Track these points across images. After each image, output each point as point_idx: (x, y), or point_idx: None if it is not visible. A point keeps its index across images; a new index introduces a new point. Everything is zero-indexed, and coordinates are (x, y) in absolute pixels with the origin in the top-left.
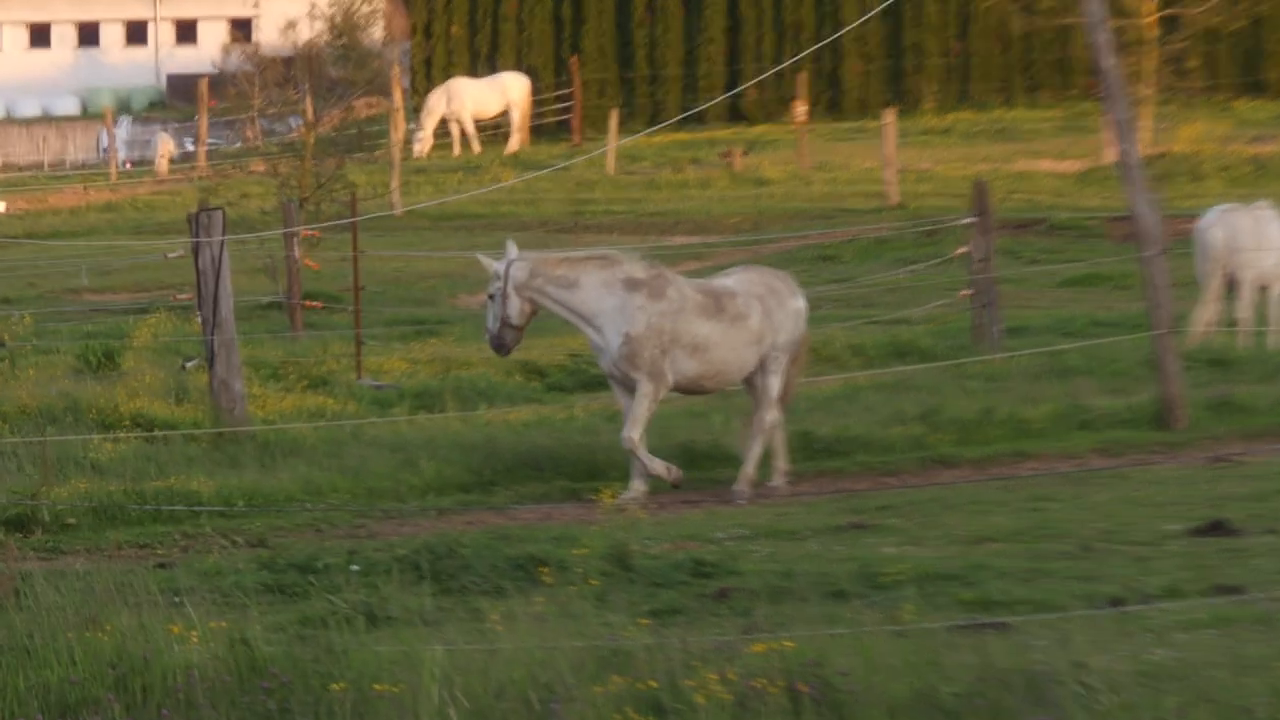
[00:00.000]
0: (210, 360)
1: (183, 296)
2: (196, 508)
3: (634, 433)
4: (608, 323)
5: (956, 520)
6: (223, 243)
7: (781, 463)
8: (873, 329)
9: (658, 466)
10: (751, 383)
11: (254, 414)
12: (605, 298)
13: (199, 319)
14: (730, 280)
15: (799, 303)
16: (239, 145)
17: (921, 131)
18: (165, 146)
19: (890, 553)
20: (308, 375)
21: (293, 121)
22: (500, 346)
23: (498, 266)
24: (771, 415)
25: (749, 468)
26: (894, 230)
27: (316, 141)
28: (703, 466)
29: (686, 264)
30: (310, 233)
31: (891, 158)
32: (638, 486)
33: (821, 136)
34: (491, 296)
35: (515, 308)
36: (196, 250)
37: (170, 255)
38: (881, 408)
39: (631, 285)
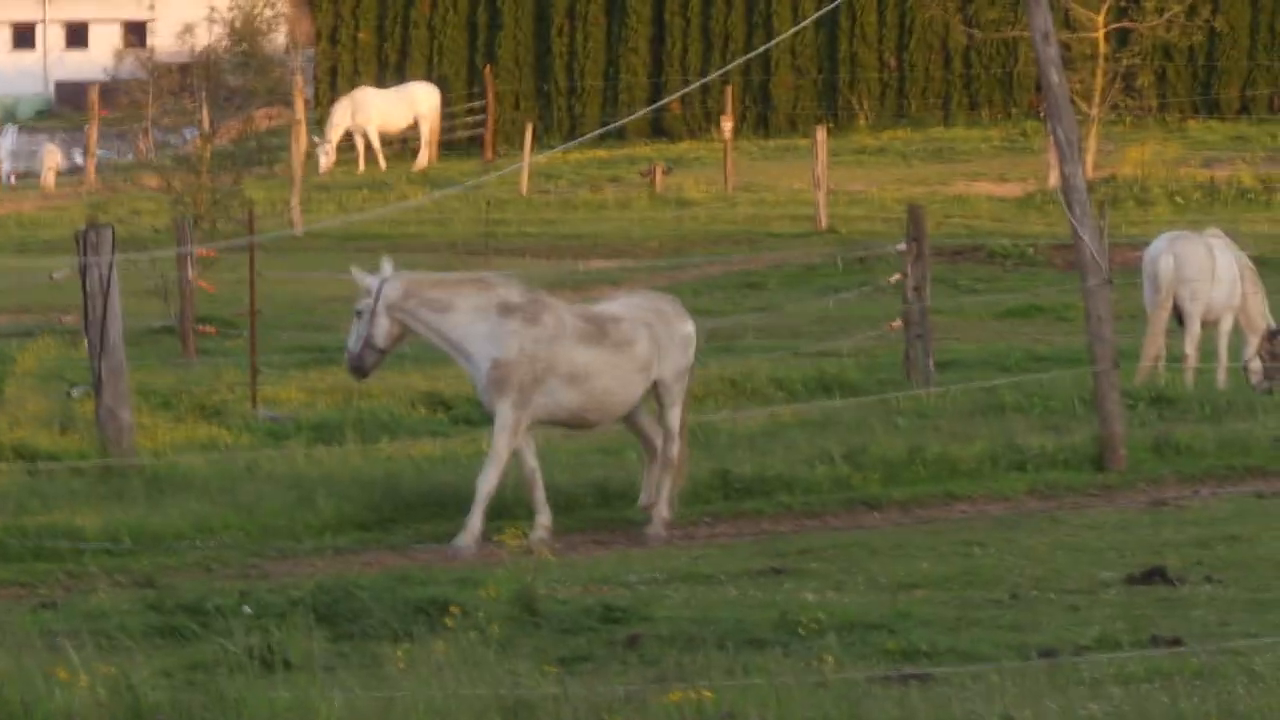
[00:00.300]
0: (97, 388)
1: (69, 319)
2: (81, 544)
3: (490, 476)
4: (478, 349)
5: (881, 565)
6: (112, 263)
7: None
8: (798, 361)
9: (476, 524)
10: (635, 419)
11: (143, 445)
12: (477, 322)
13: (86, 343)
14: (615, 305)
15: (688, 328)
16: (131, 158)
17: (855, 150)
18: (52, 158)
19: (811, 599)
20: (200, 404)
21: (188, 133)
22: (359, 369)
23: (370, 282)
24: (676, 448)
25: (663, 508)
26: (823, 257)
27: (213, 155)
28: (615, 507)
29: (601, 288)
30: (206, 253)
31: (821, 178)
32: (544, 524)
33: (748, 155)
34: (359, 314)
35: (382, 329)
36: (84, 270)
37: (55, 275)
38: (805, 445)
39: (505, 310)
